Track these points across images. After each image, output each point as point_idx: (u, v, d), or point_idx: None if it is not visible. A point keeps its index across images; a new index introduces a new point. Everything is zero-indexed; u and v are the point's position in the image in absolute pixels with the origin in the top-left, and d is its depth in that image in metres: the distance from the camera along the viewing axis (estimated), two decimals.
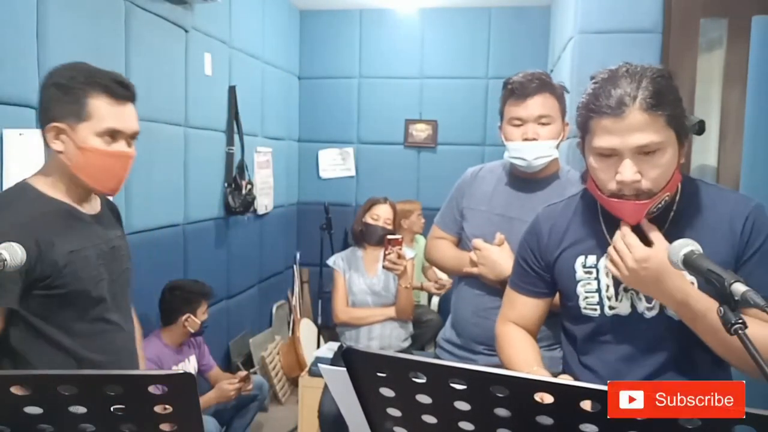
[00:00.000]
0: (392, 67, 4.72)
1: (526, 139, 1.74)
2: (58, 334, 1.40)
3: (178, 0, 2.95)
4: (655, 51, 2.77)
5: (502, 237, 1.78)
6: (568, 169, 1.87)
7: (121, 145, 1.45)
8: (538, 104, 1.74)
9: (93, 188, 1.49)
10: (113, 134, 1.42)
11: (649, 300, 1.25)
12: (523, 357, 1.38)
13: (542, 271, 1.40)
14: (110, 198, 1.66)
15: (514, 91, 1.75)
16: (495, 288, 1.79)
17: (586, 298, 1.32)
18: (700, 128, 1.23)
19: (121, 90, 1.42)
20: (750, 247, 1.19)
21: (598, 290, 1.30)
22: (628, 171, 1.14)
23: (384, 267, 2.76)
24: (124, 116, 1.44)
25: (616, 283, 1.28)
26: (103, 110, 1.40)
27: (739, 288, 0.95)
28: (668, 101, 1.13)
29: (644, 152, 1.14)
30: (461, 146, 4.63)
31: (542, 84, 1.74)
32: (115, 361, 1.50)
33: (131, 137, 1.48)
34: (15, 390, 0.80)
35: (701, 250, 1.07)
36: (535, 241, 1.41)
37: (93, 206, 1.54)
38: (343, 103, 4.79)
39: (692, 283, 1.20)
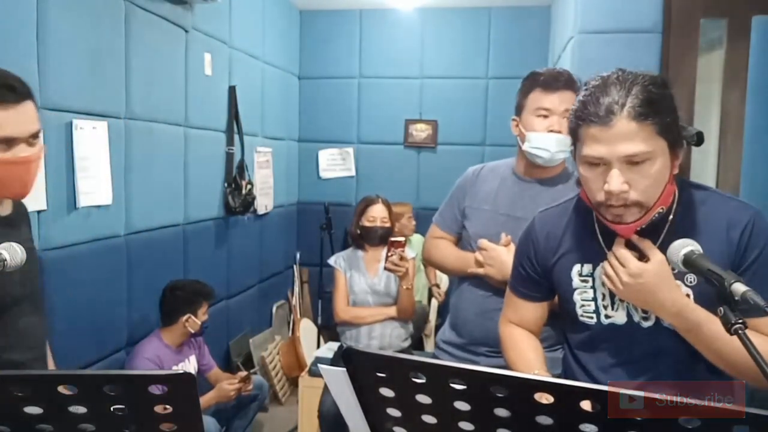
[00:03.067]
0: (392, 67, 4.72)
1: (551, 131, 1.72)
2: None
3: (178, 0, 2.95)
4: (655, 51, 2.76)
5: (509, 238, 1.76)
6: (573, 170, 1.86)
7: (19, 150, 1.34)
8: (565, 99, 1.72)
9: None
10: (8, 141, 1.32)
11: (645, 310, 1.25)
12: (525, 360, 1.38)
13: (539, 277, 1.40)
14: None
15: (544, 82, 1.74)
16: (501, 289, 1.77)
17: (583, 305, 1.31)
18: (699, 139, 1.20)
19: (8, 94, 1.31)
20: (747, 256, 1.18)
21: (594, 299, 1.30)
22: (615, 181, 1.12)
23: (386, 269, 2.77)
24: (17, 120, 1.33)
25: (612, 292, 1.27)
26: None
27: (739, 288, 0.94)
28: (659, 110, 1.10)
29: (633, 162, 1.11)
30: (461, 146, 4.63)
31: (569, 80, 1.74)
32: (31, 359, 1.46)
33: (32, 138, 1.37)
34: (15, 390, 0.80)
35: (701, 250, 1.07)
36: (531, 247, 1.40)
37: (4, 208, 1.48)
38: (343, 103, 4.79)
39: (688, 296, 1.20)
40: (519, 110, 1.81)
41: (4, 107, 1.31)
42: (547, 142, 1.73)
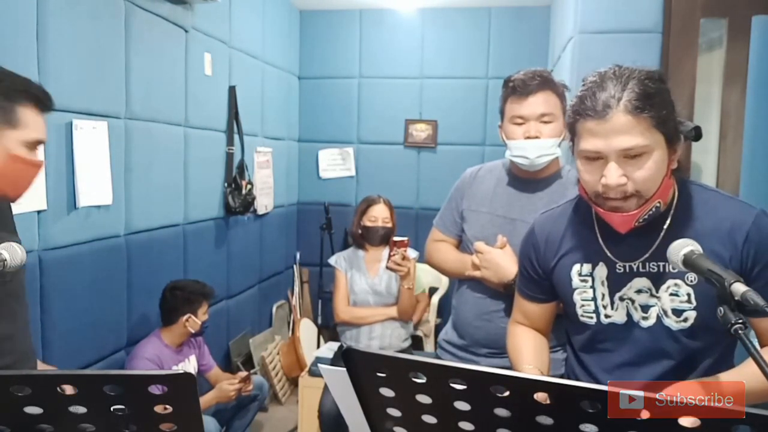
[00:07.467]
0: (392, 67, 4.72)
1: (528, 137, 1.72)
2: None
3: (178, 0, 2.95)
4: (655, 51, 2.76)
5: (504, 239, 1.76)
6: (569, 168, 1.85)
7: (39, 154, 1.42)
8: (540, 102, 1.72)
9: (5, 195, 1.42)
10: (36, 144, 1.41)
11: (645, 310, 1.25)
12: (519, 354, 1.39)
13: (541, 279, 1.41)
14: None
15: (516, 89, 1.73)
16: (497, 291, 1.77)
17: (583, 305, 1.31)
18: (697, 134, 1.21)
19: (47, 102, 1.42)
20: (756, 261, 1.17)
21: (594, 298, 1.30)
22: (612, 174, 1.13)
23: (387, 268, 2.77)
24: (45, 127, 1.42)
25: (611, 291, 1.27)
26: (31, 120, 1.37)
27: (739, 288, 0.94)
28: (655, 104, 1.11)
29: (630, 155, 1.12)
30: (461, 146, 4.63)
31: (544, 81, 1.72)
32: (3, 366, 1.39)
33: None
34: (15, 390, 0.80)
35: (701, 250, 1.07)
36: (533, 250, 1.41)
37: None
38: (343, 103, 4.79)
39: (688, 295, 1.19)
40: (501, 117, 1.82)
41: (43, 113, 1.41)
42: (525, 149, 1.73)
